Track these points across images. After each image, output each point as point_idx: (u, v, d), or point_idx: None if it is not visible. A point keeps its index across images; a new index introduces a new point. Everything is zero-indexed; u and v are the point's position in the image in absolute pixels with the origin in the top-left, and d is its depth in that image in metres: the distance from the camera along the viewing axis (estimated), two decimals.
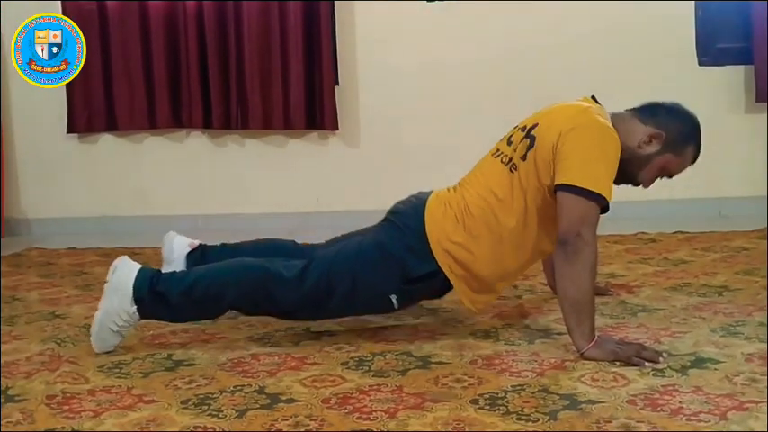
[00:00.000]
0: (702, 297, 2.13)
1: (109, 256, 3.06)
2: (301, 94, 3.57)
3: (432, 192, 1.93)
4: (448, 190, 1.92)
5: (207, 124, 3.68)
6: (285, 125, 3.61)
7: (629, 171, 1.80)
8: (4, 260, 3.11)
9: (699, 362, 1.62)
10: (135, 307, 1.78)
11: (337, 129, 3.60)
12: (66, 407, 1.51)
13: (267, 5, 3.57)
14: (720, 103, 3.52)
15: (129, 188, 3.77)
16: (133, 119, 3.72)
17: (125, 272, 1.81)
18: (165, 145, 3.78)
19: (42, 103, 3.72)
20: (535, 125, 1.81)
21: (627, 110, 1.87)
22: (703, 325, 1.88)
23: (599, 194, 1.66)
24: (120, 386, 1.61)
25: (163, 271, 1.98)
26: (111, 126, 3.75)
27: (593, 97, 1.88)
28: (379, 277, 1.81)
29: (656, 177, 1.85)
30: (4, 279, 2.76)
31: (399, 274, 1.81)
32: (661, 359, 1.62)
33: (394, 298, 1.83)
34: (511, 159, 1.81)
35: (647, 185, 1.86)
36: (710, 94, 3.51)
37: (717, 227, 3.09)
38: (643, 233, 3.06)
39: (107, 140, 3.79)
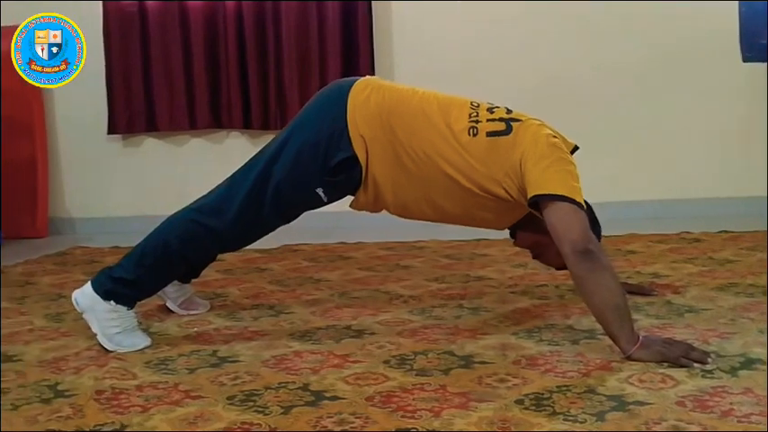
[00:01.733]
0: (750, 297, 2.09)
1: None
2: None
3: (357, 78, 1.91)
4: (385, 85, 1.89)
5: (246, 125, 3.72)
6: None
7: None
8: (49, 259, 3.18)
9: (748, 363, 1.59)
10: (111, 301, 1.85)
11: None
12: (115, 402, 1.54)
13: (305, 6, 3.60)
14: (765, 99, 3.45)
15: (170, 188, 3.82)
16: (173, 120, 3.78)
17: (83, 292, 1.89)
18: (205, 146, 3.83)
19: (84, 105, 3.80)
20: (519, 120, 1.81)
21: None
22: (751, 325, 1.84)
23: (581, 205, 1.69)
24: (167, 382, 1.64)
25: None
26: (151, 127, 3.81)
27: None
28: (300, 175, 1.82)
29: None
30: (50, 277, 2.82)
31: (320, 167, 1.81)
32: (709, 360, 1.58)
33: (321, 191, 1.84)
34: (478, 122, 1.80)
35: None
36: (755, 91, 3.44)
37: (762, 226, 3.03)
38: (687, 233, 3.01)
39: (149, 142, 3.86)
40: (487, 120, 1.81)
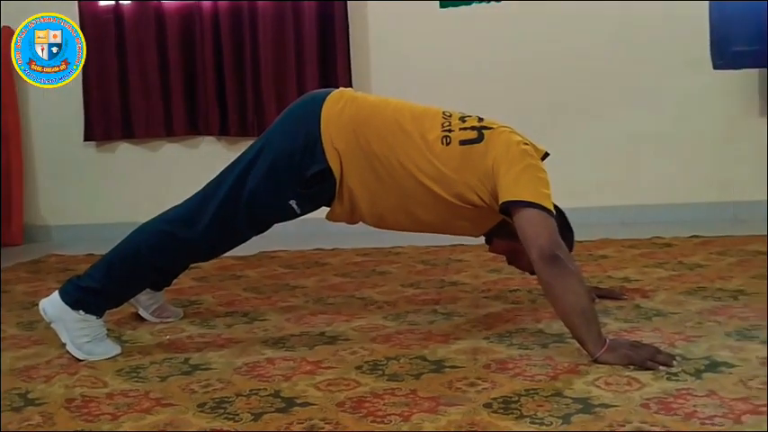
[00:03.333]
0: (718, 301, 2.12)
1: None
2: None
3: (331, 90, 1.92)
4: (358, 96, 1.91)
5: (223, 131, 3.72)
6: None
7: None
8: (24, 266, 3.16)
9: (713, 366, 1.62)
10: (80, 311, 1.84)
11: None
12: (86, 410, 1.53)
13: (282, 12, 3.61)
14: (736, 106, 3.51)
15: (146, 195, 3.81)
16: (149, 126, 3.77)
17: (51, 302, 1.88)
18: (182, 152, 3.82)
19: (60, 111, 3.78)
20: (491, 128, 1.83)
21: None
22: (718, 329, 1.87)
23: (551, 212, 1.71)
24: (138, 390, 1.64)
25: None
26: (128, 134, 3.80)
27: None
28: (274, 187, 1.82)
29: None
30: (24, 285, 2.80)
31: (294, 179, 1.81)
32: (675, 363, 1.61)
33: (294, 203, 1.84)
34: (451, 131, 1.82)
35: None
36: (725, 98, 3.51)
37: (733, 231, 3.08)
38: (658, 237, 3.05)
39: (124, 148, 3.85)
40: (460, 129, 1.83)
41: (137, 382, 1.69)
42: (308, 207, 1.88)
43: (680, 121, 3.55)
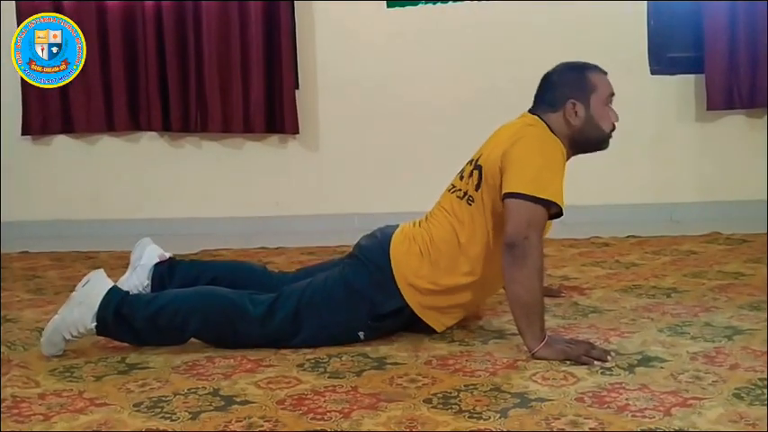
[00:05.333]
0: (651, 298, 2.19)
1: (62, 260, 3.03)
2: (261, 96, 3.56)
3: (397, 226, 1.94)
4: (413, 224, 1.93)
5: (165, 126, 3.65)
6: (245, 128, 3.60)
7: (593, 137, 1.88)
8: None
9: (645, 360, 1.67)
10: (95, 323, 1.77)
11: (297, 132, 3.60)
12: (16, 411, 1.49)
13: (226, 7, 3.56)
14: (672, 111, 3.62)
15: (84, 191, 3.71)
16: (90, 121, 3.67)
17: (96, 287, 1.80)
18: (122, 147, 3.73)
19: None
20: (480, 156, 1.87)
21: (532, 112, 1.92)
22: (651, 325, 1.93)
23: (545, 200, 1.71)
24: (72, 390, 1.60)
25: (126, 275, 1.98)
26: (68, 128, 3.69)
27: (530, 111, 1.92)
28: (346, 315, 1.82)
29: (608, 114, 1.89)
30: None
31: (366, 311, 1.82)
32: (609, 358, 1.66)
33: (361, 334, 1.84)
34: (466, 193, 1.85)
35: (612, 125, 1.90)
36: (662, 102, 3.61)
37: (668, 231, 3.17)
38: (597, 237, 3.12)
39: (61, 142, 3.73)
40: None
41: (70, 381, 1.65)
42: (375, 337, 1.87)
43: (618, 125, 3.64)
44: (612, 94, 1.90)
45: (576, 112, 1.85)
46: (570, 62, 1.94)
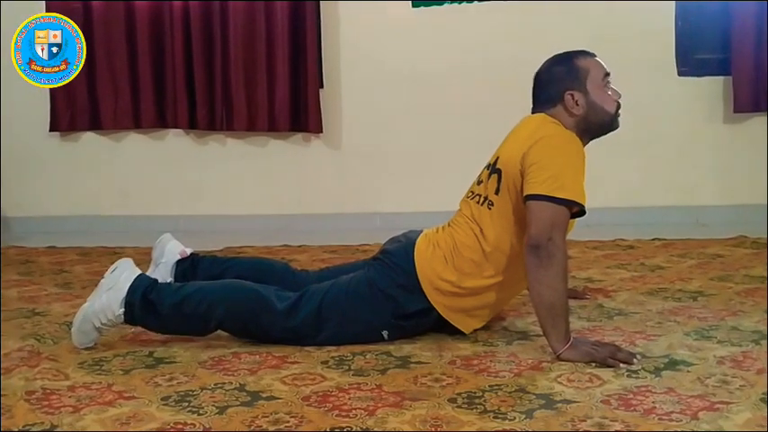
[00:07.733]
0: (677, 302, 2.17)
1: (89, 255, 3.07)
2: (286, 95, 3.59)
3: (421, 231, 1.94)
4: (436, 230, 1.93)
5: (191, 124, 3.68)
6: (269, 126, 3.63)
7: (600, 121, 1.86)
8: None
9: (672, 364, 1.66)
10: (123, 309, 1.79)
11: (321, 131, 3.62)
12: (46, 402, 1.51)
13: (253, 7, 3.59)
14: (699, 113, 3.58)
15: (110, 187, 3.76)
16: (117, 118, 3.72)
17: (124, 273, 1.82)
18: (148, 144, 3.77)
19: (25, 102, 3.69)
20: (497, 159, 1.86)
21: (536, 111, 1.90)
22: (677, 328, 1.91)
23: (567, 200, 1.70)
24: (101, 383, 1.62)
25: (148, 273, 1.99)
26: (95, 125, 3.74)
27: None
28: (370, 314, 1.83)
29: (608, 94, 1.87)
30: None
31: (391, 309, 1.83)
32: (635, 361, 1.65)
33: (385, 333, 1.85)
34: (486, 198, 1.85)
35: (616, 104, 1.88)
36: (689, 104, 3.58)
37: (693, 234, 3.15)
38: (621, 239, 3.10)
39: (89, 138, 3.77)
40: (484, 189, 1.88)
41: (99, 374, 1.67)
42: (399, 337, 1.87)
43: (645, 127, 3.60)
44: (608, 74, 1.88)
45: (576, 101, 1.83)
46: (555, 55, 1.91)
